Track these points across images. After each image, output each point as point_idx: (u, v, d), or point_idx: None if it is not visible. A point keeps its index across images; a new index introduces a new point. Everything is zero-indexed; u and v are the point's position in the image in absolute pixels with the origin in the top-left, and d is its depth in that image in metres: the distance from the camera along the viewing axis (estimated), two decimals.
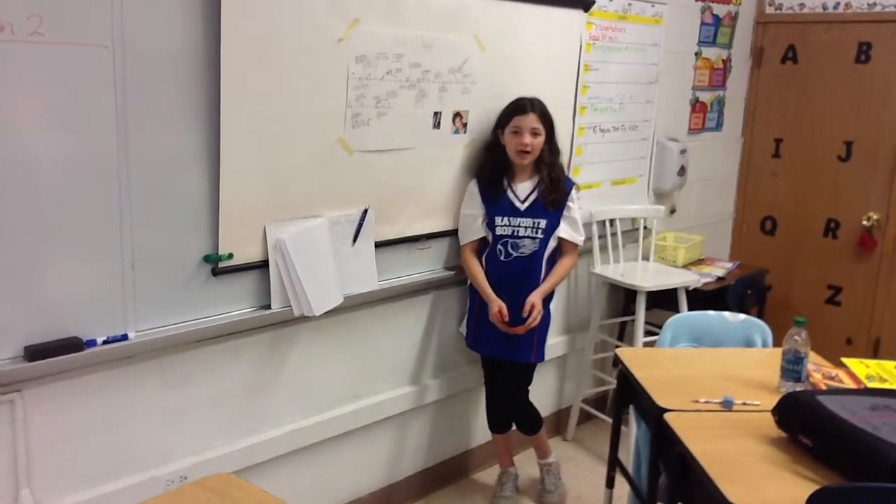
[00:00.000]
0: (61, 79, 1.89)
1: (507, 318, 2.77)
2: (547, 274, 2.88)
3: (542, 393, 3.61)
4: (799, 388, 2.11)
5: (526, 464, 3.26)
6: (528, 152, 2.77)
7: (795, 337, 2.13)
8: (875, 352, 4.13)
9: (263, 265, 2.38)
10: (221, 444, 2.44)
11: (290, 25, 2.26)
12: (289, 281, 2.40)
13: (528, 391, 3.03)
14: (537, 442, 3.15)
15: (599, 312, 3.60)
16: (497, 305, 2.78)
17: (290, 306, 2.42)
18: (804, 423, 1.84)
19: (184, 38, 2.08)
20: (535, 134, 2.77)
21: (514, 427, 3.10)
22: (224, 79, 2.14)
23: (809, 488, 1.60)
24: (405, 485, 3.10)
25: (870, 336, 4.20)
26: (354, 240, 2.60)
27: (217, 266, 2.27)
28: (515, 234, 2.82)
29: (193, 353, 2.32)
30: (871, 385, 2.18)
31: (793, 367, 2.14)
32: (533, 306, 2.78)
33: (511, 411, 3.06)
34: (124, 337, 2.11)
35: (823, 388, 2.14)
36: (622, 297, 3.78)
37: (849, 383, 2.20)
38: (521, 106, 2.78)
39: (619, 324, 3.85)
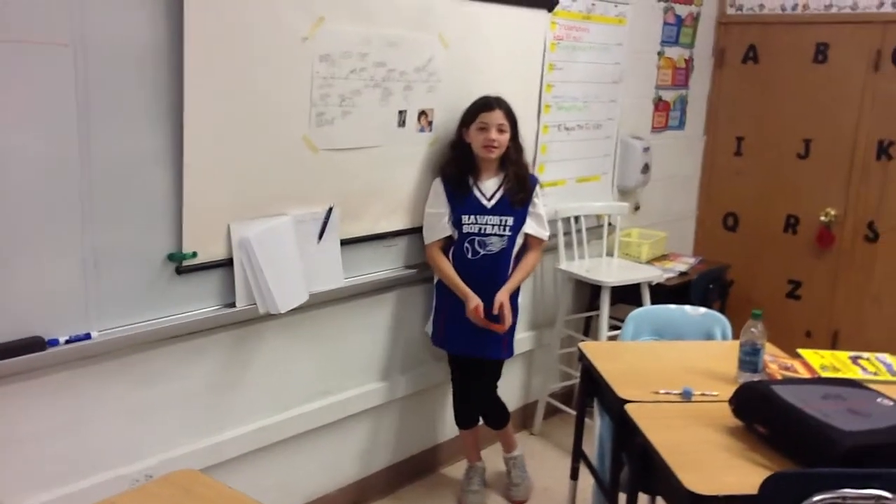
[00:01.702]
0: (20, 78, 1.88)
1: (482, 315, 2.80)
2: (513, 270, 2.90)
3: (510, 387, 3.64)
4: (756, 378, 2.16)
5: (493, 458, 3.29)
6: (495, 147, 2.79)
7: (752, 329, 2.18)
8: (833, 344, 4.23)
9: (228, 263, 2.38)
10: (188, 441, 2.44)
11: (254, 23, 2.27)
12: (254, 279, 2.41)
13: (497, 386, 3.06)
14: (504, 436, 3.19)
15: (565, 308, 3.65)
16: (475, 302, 2.80)
17: (255, 304, 2.43)
18: (759, 413, 1.89)
19: (146, 35, 2.07)
20: (501, 130, 2.80)
21: (480, 422, 3.13)
22: (187, 77, 2.14)
23: (764, 474, 1.64)
24: (374, 480, 3.12)
25: (829, 329, 4.30)
26: (320, 237, 2.61)
27: (181, 264, 2.27)
28: (482, 231, 2.84)
29: (158, 352, 2.31)
30: (825, 375, 2.24)
31: (750, 358, 2.19)
32: (502, 304, 2.81)
33: (480, 407, 3.09)
34: (87, 336, 2.10)
35: (779, 378, 2.20)
36: (587, 293, 3.83)
37: (803, 373, 2.26)
38: (487, 103, 2.81)
39: (584, 319, 3.90)
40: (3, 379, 1.99)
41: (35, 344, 2.00)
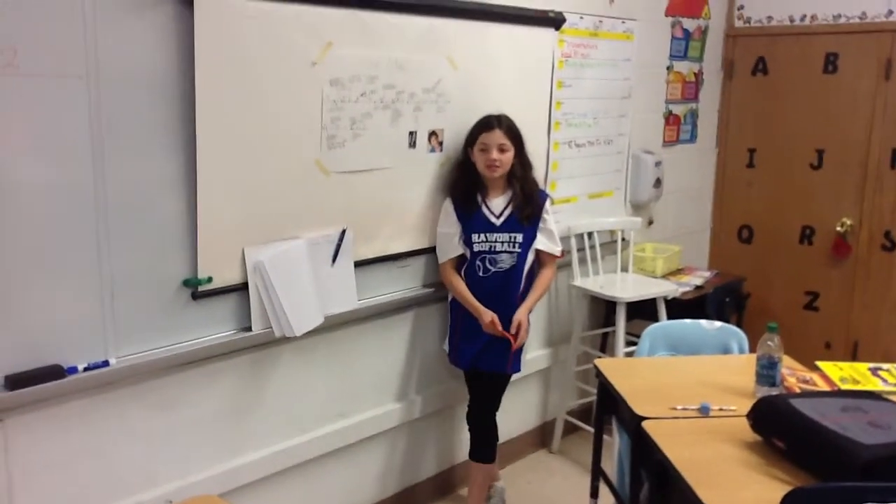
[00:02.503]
0: (37, 109, 1.91)
1: (500, 327, 2.80)
2: (526, 287, 2.91)
3: (527, 406, 3.64)
4: (774, 392, 2.14)
5: (511, 477, 3.27)
6: (497, 167, 2.80)
7: (769, 342, 2.17)
8: (853, 355, 4.18)
9: (243, 287, 2.40)
10: (206, 466, 2.44)
11: (263, 50, 2.30)
12: (269, 302, 2.42)
13: (497, 406, 3.02)
14: (491, 471, 3.12)
15: (581, 324, 3.64)
16: (489, 316, 2.80)
17: (271, 328, 2.44)
18: (778, 427, 1.88)
19: (158, 64, 2.10)
20: (502, 150, 2.80)
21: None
22: (199, 104, 2.17)
23: (783, 490, 1.62)
24: (392, 502, 3.11)
25: (848, 340, 4.25)
26: (334, 260, 2.62)
27: (197, 290, 2.29)
28: (493, 249, 2.85)
29: (176, 377, 2.33)
30: (844, 387, 2.22)
31: (767, 372, 2.17)
32: (520, 324, 2.82)
33: (474, 423, 3.03)
34: (105, 363, 2.12)
35: (797, 391, 2.18)
36: (603, 309, 3.82)
37: (822, 386, 2.24)
38: (488, 123, 2.82)
39: (600, 335, 3.89)
40: (23, 407, 2.01)
41: (54, 372, 2.02)
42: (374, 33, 2.58)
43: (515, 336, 2.82)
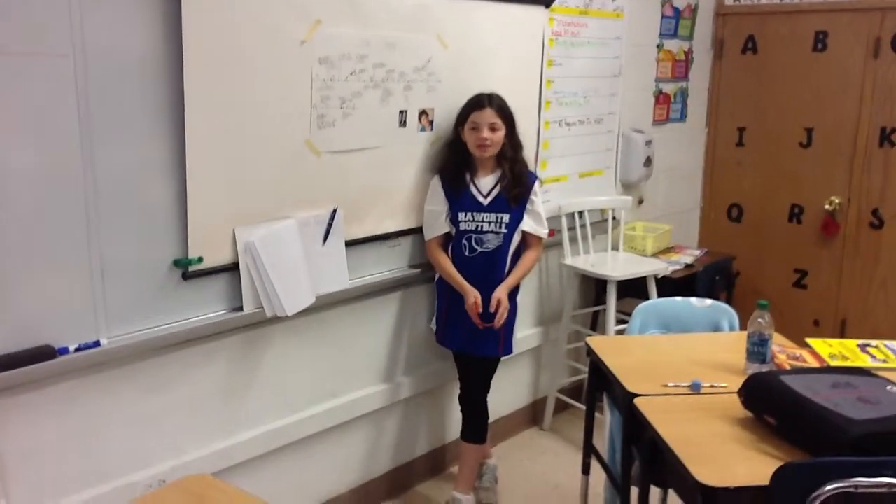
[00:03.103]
0: (21, 90, 1.88)
1: (480, 310, 2.80)
2: (512, 268, 2.90)
3: (518, 385, 3.66)
4: (764, 369, 2.16)
5: (504, 455, 3.29)
6: (488, 146, 2.79)
7: (759, 320, 2.18)
8: (842, 332, 4.22)
9: (234, 268, 2.39)
10: (199, 446, 2.44)
11: (251, 29, 2.27)
12: (260, 282, 2.41)
13: (488, 388, 3.01)
14: (483, 450, 3.13)
15: (572, 303, 3.65)
16: (473, 296, 2.79)
17: (262, 308, 2.44)
18: (769, 403, 1.89)
19: (145, 44, 2.08)
20: (493, 129, 2.79)
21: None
22: (187, 84, 2.15)
23: (774, 465, 1.65)
24: (383, 481, 3.13)
25: (836, 317, 4.29)
26: (325, 240, 2.61)
27: (187, 270, 2.27)
28: (479, 229, 2.84)
29: (167, 358, 2.32)
30: (833, 364, 2.24)
31: (758, 349, 2.19)
32: (499, 301, 2.81)
33: (466, 405, 3.02)
34: (97, 344, 2.11)
35: (788, 368, 2.20)
36: (593, 287, 3.84)
37: (812, 363, 2.26)
38: (479, 102, 2.80)
39: (591, 314, 3.90)
40: (14, 389, 2.00)
41: (45, 353, 2.01)
42: (363, 11, 2.55)
43: (493, 316, 2.81)
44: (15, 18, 1.84)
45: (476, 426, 3.02)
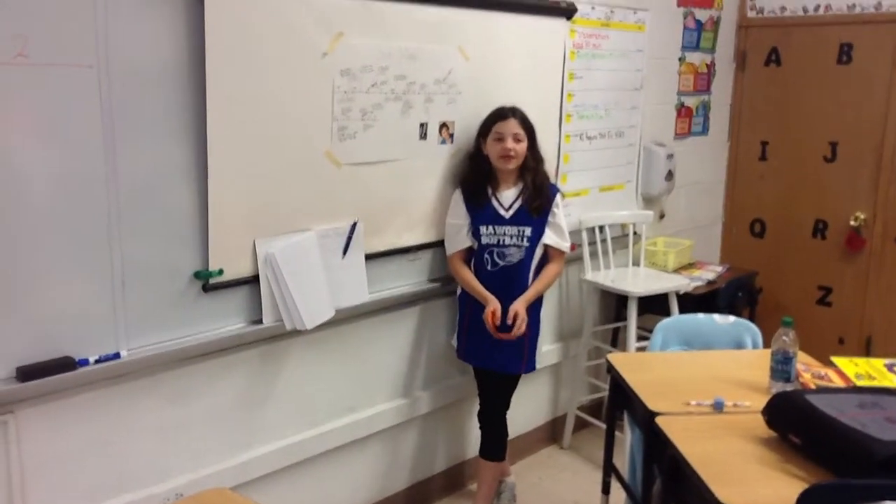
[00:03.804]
0: (47, 99, 1.90)
1: (498, 321, 2.77)
2: (533, 281, 2.88)
3: (537, 402, 3.62)
4: (789, 388, 2.12)
5: (523, 473, 3.26)
6: (512, 157, 2.77)
7: (784, 337, 2.14)
8: (867, 350, 4.15)
9: (254, 280, 2.39)
10: (217, 459, 2.44)
11: (274, 40, 2.28)
12: (280, 295, 2.41)
13: (508, 405, 2.99)
14: (502, 467, 3.11)
15: (592, 319, 3.62)
16: (493, 305, 2.77)
17: (281, 321, 2.43)
18: (794, 423, 1.85)
19: (168, 54, 2.09)
20: (517, 139, 2.78)
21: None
22: (210, 95, 2.16)
23: (800, 487, 1.61)
24: (402, 497, 3.10)
25: (861, 335, 4.22)
26: (344, 252, 2.61)
27: (208, 282, 2.28)
28: (501, 242, 2.82)
29: (186, 370, 2.32)
30: (860, 383, 2.20)
31: (782, 367, 2.15)
32: (517, 314, 2.77)
33: (484, 421, 3.00)
34: (116, 355, 2.11)
35: (813, 387, 2.15)
36: (614, 303, 3.80)
37: (838, 382, 2.21)
38: (502, 113, 2.80)
39: (611, 330, 3.87)
40: (34, 399, 2.00)
41: (65, 364, 2.02)
42: (385, 23, 2.56)
43: (511, 328, 2.79)
44: (43, 30, 1.86)
45: (495, 443, 2.99)
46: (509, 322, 2.78)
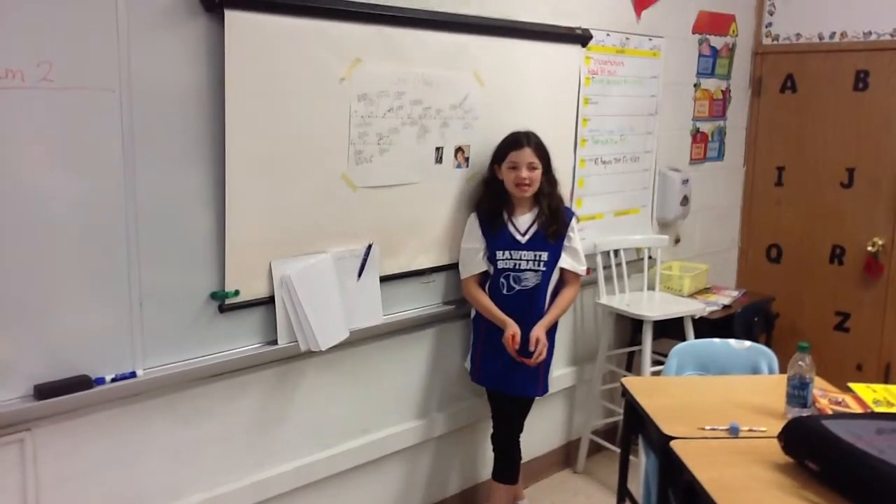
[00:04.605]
0: (70, 122, 1.94)
1: (518, 345, 2.77)
2: (550, 306, 2.88)
3: (551, 425, 3.60)
4: (805, 413, 2.10)
5: (537, 497, 3.24)
6: (527, 185, 2.79)
7: (800, 363, 2.13)
8: (886, 377, 4.11)
9: (270, 301, 2.40)
10: (231, 479, 2.44)
11: (292, 66, 2.32)
12: (295, 316, 2.43)
13: (521, 428, 2.98)
14: (515, 491, 3.09)
15: (606, 343, 3.60)
16: (512, 329, 2.77)
17: (296, 342, 2.44)
18: (810, 448, 1.84)
19: (189, 79, 2.13)
20: (532, 168, 2.79)
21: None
22: (228, 118, 2.19)
23: None
24: None
25: (880, 361, 4.18)
26: (360, 274, 2.62)
27: (224, 303, 2.30)
28: (517, 267, 2.83)
29: (202, 390, 2.33)
30: (878, 410, 2.18)
31: (798, 392, 2.14)
32: (538, 340, 2.78)
33: (498, 444, 2.99)
34: (133, 374, 2.13)
35: (829, 413, 2.13)
36: (629, 327, 3.79)
37: (855, 408, 2.19)
38: (517, 141, 2.81)
39: (626, 354, 3.85)
40: (50, 417, 2.02)
41: (82, 382, 2.03)
42: (401, 49, 2.59)
43: (532, 353, 2.79)
44: (66, 54, 1.91)
45: (508, 466, 2.97)
46: (531, 349, 2.77)
